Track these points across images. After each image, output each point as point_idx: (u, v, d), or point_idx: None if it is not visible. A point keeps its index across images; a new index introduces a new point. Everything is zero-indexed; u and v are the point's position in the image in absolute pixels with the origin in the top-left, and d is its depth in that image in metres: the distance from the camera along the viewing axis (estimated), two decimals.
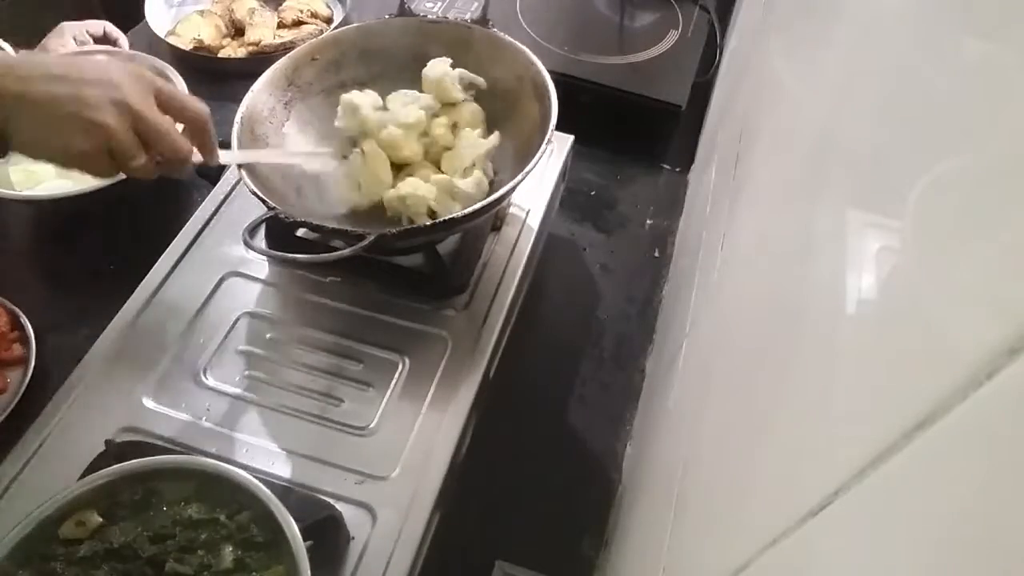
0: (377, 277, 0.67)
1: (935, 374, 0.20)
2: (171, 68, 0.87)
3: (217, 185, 0.74)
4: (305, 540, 0.44)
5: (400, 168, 0.68)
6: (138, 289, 0.66)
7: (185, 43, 1.02)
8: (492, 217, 0.71)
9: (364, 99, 0.68)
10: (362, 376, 0.62)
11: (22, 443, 0.56)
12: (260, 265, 0.69)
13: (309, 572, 0.43)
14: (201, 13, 1.07)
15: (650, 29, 1.04)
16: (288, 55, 0.70)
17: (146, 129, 0.51)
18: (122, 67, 0.52)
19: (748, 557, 0.29)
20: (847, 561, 0.22)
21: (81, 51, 0.91)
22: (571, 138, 0.80)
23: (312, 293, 0.67)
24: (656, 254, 0.90)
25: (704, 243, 0.67)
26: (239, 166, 0.61)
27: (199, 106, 0.55)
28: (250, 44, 1.04)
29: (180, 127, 0.55)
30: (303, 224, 0.62)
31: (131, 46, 0.97)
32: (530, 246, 0.72)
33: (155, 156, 0.52)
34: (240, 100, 0.66)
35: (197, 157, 0.56)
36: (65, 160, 0.51)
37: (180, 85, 0.85)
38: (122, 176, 0.76)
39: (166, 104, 0.53)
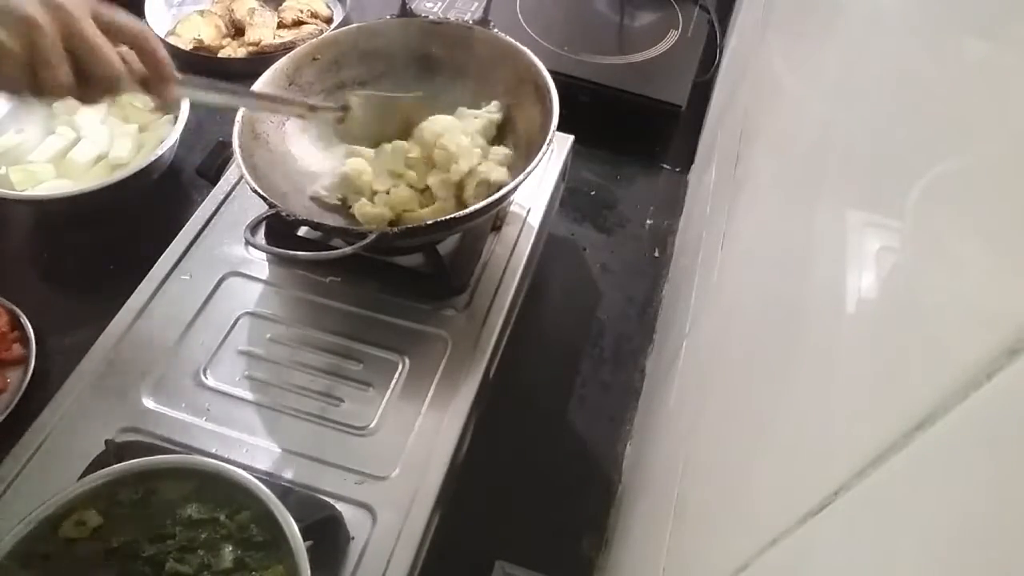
0: (377, 277, 0.67)
1: (935, 374, 0.20)
2: None
3: (217, 185, 0.74)
4: (305, 540, 0.44)
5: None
6: (138, 289, 0.66)
7: (185, 43, 1.02)
8: (492, 217, 0.71)
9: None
10: (362, 376, 0.62)
11: (22, 443, 0.56)
12: (260, 265, 0.69)
13: (309, 572, 0.43)
14: (201, 13, 1.07)
15: (650, 29, 1.04)
16: (289, 55, 0.70)
17: (79, 38, 0.45)
18: None
19: (748, 557, 0.29)
20: (847, 561, 0.22)
21: None
22: (571, 138, 0.80)
23: (312, 293, 0.67)
24: (656, 254, 0.90)
25: (704, 243, 0.67)
26: (241, 166, 0.61)
27: (139, 25, 0.49)
28: (250, 44, 1.04)
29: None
30: (304, 222, 0.62)
31: None
32: (530, 246, 0.72)
33: (78, 73, 0.46)
34: None
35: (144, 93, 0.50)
36: None
37: None
38: (118, 178, 0.76)
39: (104, 25, 0.47)
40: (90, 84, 0.47)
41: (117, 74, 0.47)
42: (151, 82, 0.50)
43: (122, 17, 0.48)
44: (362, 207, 0.66)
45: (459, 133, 0.67)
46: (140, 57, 0.49)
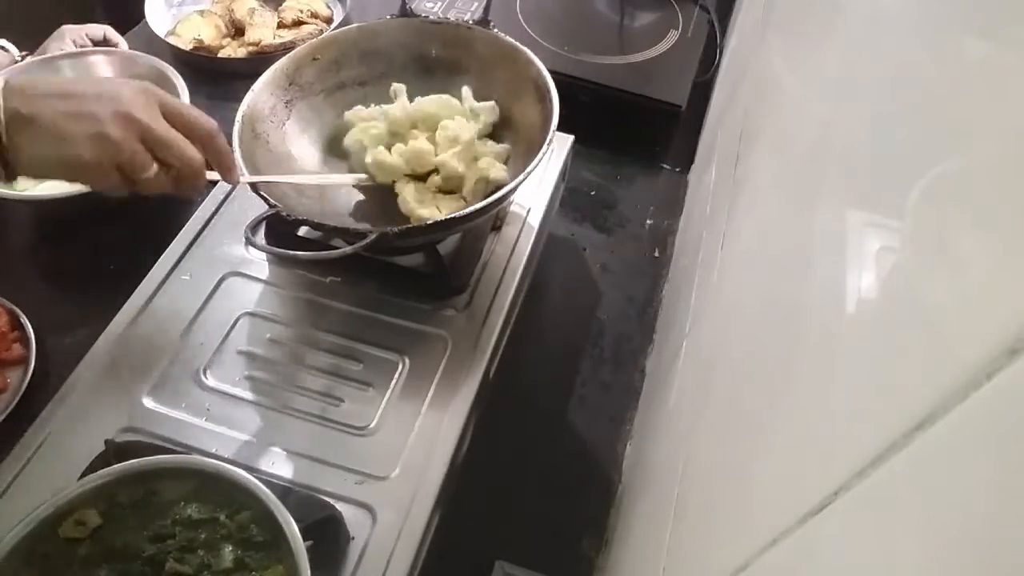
0: (377, 277, 0.67)
1: (935, 374, 0.20)
2: (171, 68, 0.87)
3: (217, 185, 0.74)
4: (305, 540, 0.44)
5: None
6: (138, 289, 0.66)
7: (185, 43, 1.02)
8: (492, 217, 0.71)
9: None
10: (362, 376, 0.62)
11: (22, 443, 0.56)
12: (260, 265, 0.69)
13: (309, 572, 0.43)
14: (201, 13, 1.07)
15: (650, 29, 1.04)
16: (289, 55, 0.70)
17: (154, 139, 0.50)
18: (125, 81, 0.52)
19: (748, 557, 0.29)
20: (847, 561, 0.22)
21: (80, 51, 0.91)
22: (571, 138, 0.80)
23: (312, 293, 0.67)
24: (656, 254, 0.90)
25: (704, 243, 0.67)
26: (241, 166, 0.61)
27: (206, 120, 0.54)
28: (250, 44, 1.04)
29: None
30: (304, 222, 0.62)
31: (131, 47, 0.97)
32: (530, 246, 0.72)
33: (167, 168, 0.52)
34: (240, 100, 0.66)
35: (213, 175, 0.55)
36: (75, 175, 0.51)
37: (180, 85, 0.85)
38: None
39: (172, 117, 0.52)
40: (179, 176, 0.52)
41: (198, 163, 0.52)
42: (219, 170, 0.56)
43: (189, 110, 0.53)
44: (379, 154, 0.66)
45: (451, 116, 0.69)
46: (202, 146, 0.53)
